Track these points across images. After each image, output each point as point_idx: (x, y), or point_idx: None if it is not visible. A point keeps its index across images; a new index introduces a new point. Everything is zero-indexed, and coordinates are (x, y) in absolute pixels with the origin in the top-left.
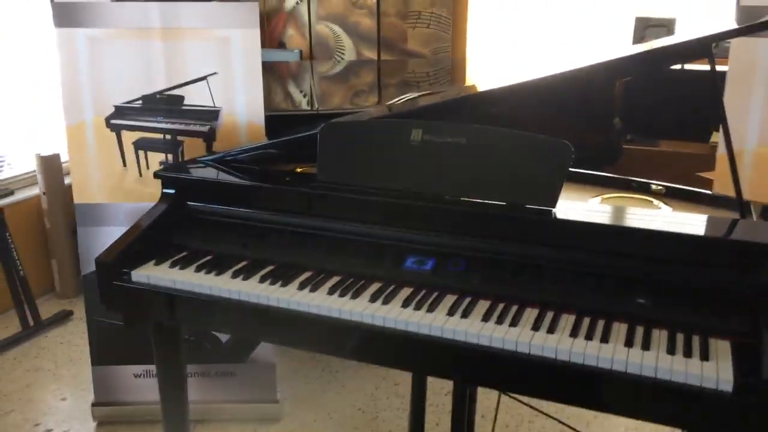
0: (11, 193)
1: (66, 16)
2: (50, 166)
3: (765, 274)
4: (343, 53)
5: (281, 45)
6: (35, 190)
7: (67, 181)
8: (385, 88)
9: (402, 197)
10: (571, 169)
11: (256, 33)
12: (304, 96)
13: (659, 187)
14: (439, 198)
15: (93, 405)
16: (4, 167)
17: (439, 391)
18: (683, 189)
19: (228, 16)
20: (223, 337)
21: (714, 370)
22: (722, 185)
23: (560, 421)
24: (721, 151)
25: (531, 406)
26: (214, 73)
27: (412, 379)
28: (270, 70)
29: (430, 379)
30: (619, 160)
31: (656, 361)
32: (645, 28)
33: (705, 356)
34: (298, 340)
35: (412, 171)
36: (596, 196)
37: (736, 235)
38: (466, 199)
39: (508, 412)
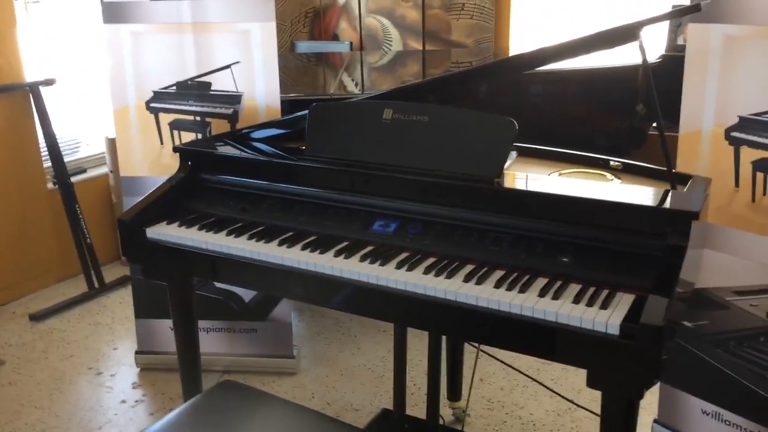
0: (83, 171)
1: (113, 13)
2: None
3: (672, 238)
4: (390, 44)
5: (335, 37)
6: (104, 169)
7: None
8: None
9: (371, 169)
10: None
11: (273, 26)
12: (356, 85)
13: (617, 164)
14: (402, 169)
15: (136, 353)
16: (79, 149)
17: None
18: (639, 165)
19: (248, 11)
20: (246, 297)
21: (606, 317)
22: (684, 162)
23: (553, 390)
24: (682, 132)
25: (525, 374)
26: (237, 62)
27: (393, 329)
28: (325, 60)
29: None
30: (644, 145)
31: (559, 308)
32: None
33: (605, 306)
34: (277, 288)
35: (384, 145)
36: (556, 171)
37: (651, 202)
38: (427, 169)
39: (506, 377)
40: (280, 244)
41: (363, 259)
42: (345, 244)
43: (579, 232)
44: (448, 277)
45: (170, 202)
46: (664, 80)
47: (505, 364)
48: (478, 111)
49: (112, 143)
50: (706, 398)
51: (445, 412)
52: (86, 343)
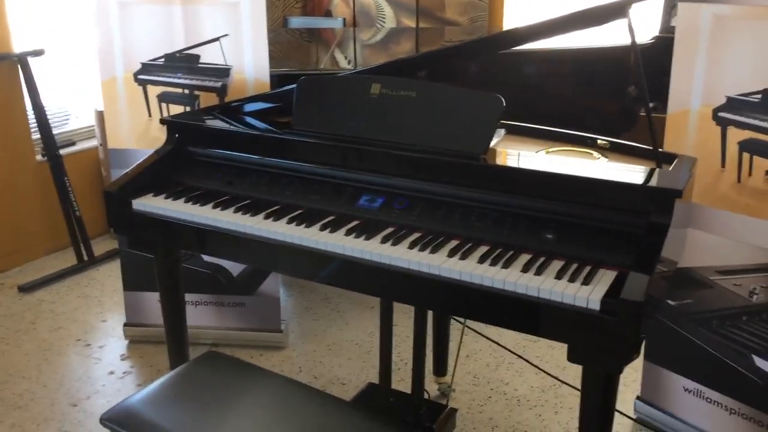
0: (73, 143)
1: None
2: None
3: (655, 216)
4: (384, 21)
5: (328, 13)
6: (94, 142)
7: None
8: None
9: (357, 144)
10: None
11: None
12: (349, 62)
13: (604, 142)
14: (389, 144)
15: (125, 325)
16: (69, 121)
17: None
18: (626, 144)
19: None
20: (235, 271)
21: (587, 293)
22: (671, 142)
23: (538, 367)
24: (670, 111)
25: (511, 351)
26: (226, 35)
27: (380, 304)
28: (317, 36)
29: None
30: (634, 127)
31: (541, 283)
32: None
33: (587, 282)
34: (262, 261)
35: (371, 120)
36: (543, 149)
37: (636, 180)
38: (413, 145)
39: (492, 354)
40: (266, 217)
41: (348, 233)
42: (331, 218)
43: (563, 209)
44: (433, 252)
45: (157, 174)
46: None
47: (491, 340)
48: (465, 88)
49: (101, 116)
50: (688, 376)
51: (431, 387)
52: (75, 315)
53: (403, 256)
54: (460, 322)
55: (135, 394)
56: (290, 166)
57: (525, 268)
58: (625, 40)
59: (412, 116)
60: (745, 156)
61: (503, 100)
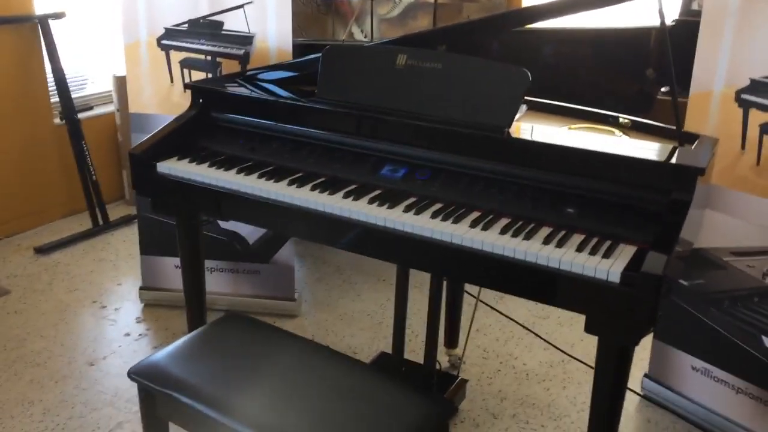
0: (90, 108)
1: None
2: (124, 85)
3: (676, 193)
4: None
5: None
6: (111, 107)
7: None
8: None
9: (381, 113)
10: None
11: None
12: (365, 36)
13: (626, 121)
14: (413, 115)
15: (140, 289)
16: (86, 85)
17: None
18: (647, 123)
19: None
20: (250, 239)
21: (608, 266)
22: (692, 123)
23: (548, 341)
24: (693, 92)
25: (522, 325)
26: (250, 2)
27: (396, 275)
28: (335, 10)
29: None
30: (652, 108)
31: (562, 255)
32: None
33: (608, 255)
34: (284, 227)
35: (397, 91)
36: (565, 126)
37: (659, 158)
38: (438, 117)
39: (501, 329)
40: (290, 183)
41: (372, 201)
42: (353, 186)
43: (585, 184)
44: (455, 222)
45: (180, 138)
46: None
47: (503, 314)
48: (491, 60)
49: (120, 81)
50: (696, 355)
51: (442, 359)
52: (90, 277)
53: (426, 225)
54: (473, 296)
55: (158, 352)
56: (313, 135)
57: (546, 241)
58: (642, 23)
59: (437, 88)
60: (766, 139)
61: (529, 73)
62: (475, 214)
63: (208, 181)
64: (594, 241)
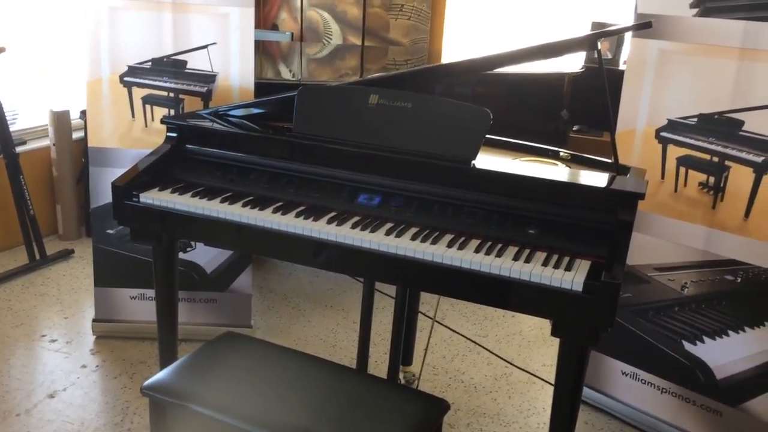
0: (24, 142)
1: None
2: (61, 120)
3: (622, 214)
4: (330, 37)
5: (274, 27)
6: (46, 142)
7: (75, 135)
8: (366, 72)
9: (357, 147)
10: (506, 138)
11: (251, 12)
12: (293, 75)
13: (565, 154)
14: (387, 149)
15: (93, 320)
16: (16, 120)
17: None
18: (584, 156)
19: None
20: (208, 268)
21: (571, 277)
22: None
23: (492, 352)
24: (619, 130)
25: (468, 338)
26: (214, 44)
27: (363, 285)
28: (263, 49)
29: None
30: (565, 145)
31: (532, 269)
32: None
33: (569, 269)
34: (268, 251)
35: (369, 127)
36: (515, 158)
37: (606, 185)
38: (408, 150)
39: (447, 347)
40: (275, 211)
41: (354, 226)
42: (333, 213)
43: (543, 208)
44: (433, 243)
45: (158, 170)
46: (586, 87)
47: (453, 330)
48: (456, 101)
49: (57, 116)
50: (626, 360)
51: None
52: (35, 312)
53: (408, 246)
54: (429, 317)
55: (166, 369)
56: (291, 167)
57: (516, 257)
58: (553, 69)
59: (408, 124)
60: (681, 170)
61: (490, 113)
62: (448, 237)
63: (193, 210)
64: (555, 257)
